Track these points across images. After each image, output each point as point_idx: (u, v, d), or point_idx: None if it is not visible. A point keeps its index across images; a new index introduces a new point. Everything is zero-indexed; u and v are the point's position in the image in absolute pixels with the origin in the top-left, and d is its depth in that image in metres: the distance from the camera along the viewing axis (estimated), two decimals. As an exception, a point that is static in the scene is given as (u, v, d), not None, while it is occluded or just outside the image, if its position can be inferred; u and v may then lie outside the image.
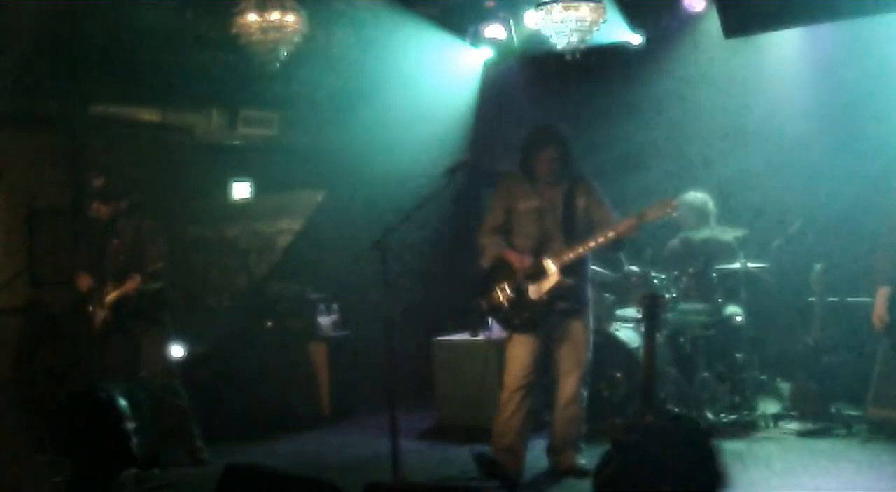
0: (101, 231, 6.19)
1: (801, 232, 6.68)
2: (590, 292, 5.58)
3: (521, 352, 5.37)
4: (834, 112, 7.20)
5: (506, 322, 5.46)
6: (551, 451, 5.53)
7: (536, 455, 5.67)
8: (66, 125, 6.90)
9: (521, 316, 5.33)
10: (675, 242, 6.96)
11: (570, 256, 5.26)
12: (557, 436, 5.48)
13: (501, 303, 5.37)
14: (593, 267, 6.85)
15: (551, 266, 5.26)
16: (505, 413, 5.36)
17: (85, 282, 6.24)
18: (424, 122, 7.86)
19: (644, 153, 7.99)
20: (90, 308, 6.19)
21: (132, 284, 5.96)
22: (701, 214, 6.78)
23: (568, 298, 5.35)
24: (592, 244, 5.22)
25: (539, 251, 5.32)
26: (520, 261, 5.34)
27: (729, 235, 6.70)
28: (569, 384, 5.41)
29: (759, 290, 6.79)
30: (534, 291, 5.29)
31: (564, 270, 5.27)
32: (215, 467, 3.96)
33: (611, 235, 5.17)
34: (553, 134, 5.47)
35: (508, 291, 5.34)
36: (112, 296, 6.06)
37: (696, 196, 6.87)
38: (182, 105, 7.51)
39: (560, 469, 5.43)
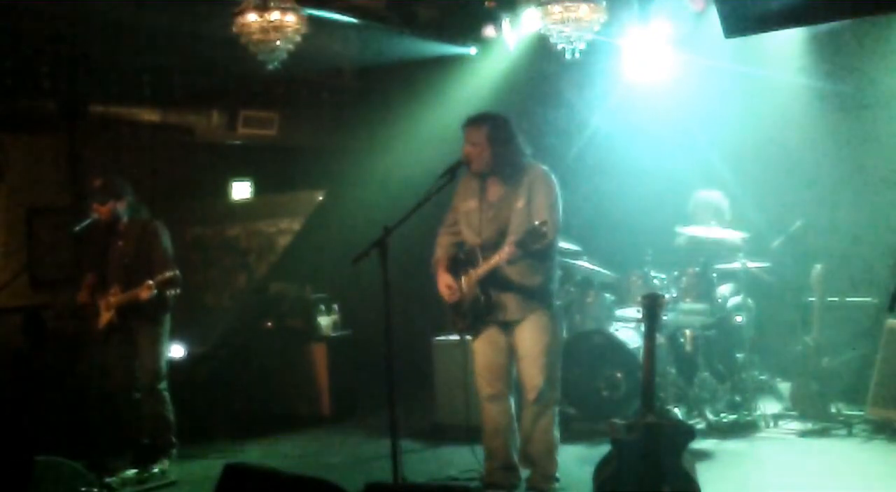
0: (102, 232, 6.14)
1: (801, 232, 6.69)
2: (537, 302, 5.08)
3: (477, 361, 5.26)
4: (835, 112, 7.21)
5: (452, 326, 5.39)
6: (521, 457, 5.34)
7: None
8: (66, 125, 6.90)
9: (458, 323, 5.24)
10: (682, 239, 6.96)
11: (479, 271, 5.03)
12: (522, 446, 5.28)
13: (450, 308, 5.27)
14: (593, 267, 6.89)
15: (471, 278, 5.08)
16: (487, 429, 5.26)
17: (84, 297, 6.16)
18: (424, 121, 7.86)
19: (645, 154, 7.99)
20: (92, 309, 6.15)
21: (145, 292, 5.74)
22: (714, 212, 6.77)
23: (494, 309, 5.07)
24: (493, 262, 4.93)
25: (481, 253, 5.08)
26: (441, 280, 5.21)
27: (734, 235, 6.67)
28: (528, 398, 5.15)
29: (759, 290, 6.80)
30: (461, 300, 5.17)
31: (485, 282, 5.02)
32: (215, 468, 3.95)
33: (493, 262, 4.92)
34: (475, 119, 5.13)
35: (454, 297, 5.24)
36: (120, 299, 5.95)
37: (710, 194, 6.88)
38: (182, 105, 7.50)
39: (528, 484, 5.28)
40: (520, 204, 5.01)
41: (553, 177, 5.13)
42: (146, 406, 6.11)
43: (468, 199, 5.22)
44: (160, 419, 6.11)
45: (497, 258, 4.91)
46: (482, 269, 5.02)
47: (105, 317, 6.04)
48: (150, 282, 5.75)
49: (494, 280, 5.04)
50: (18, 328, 7.11)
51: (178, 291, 5.92)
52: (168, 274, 5.80)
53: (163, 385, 6.14)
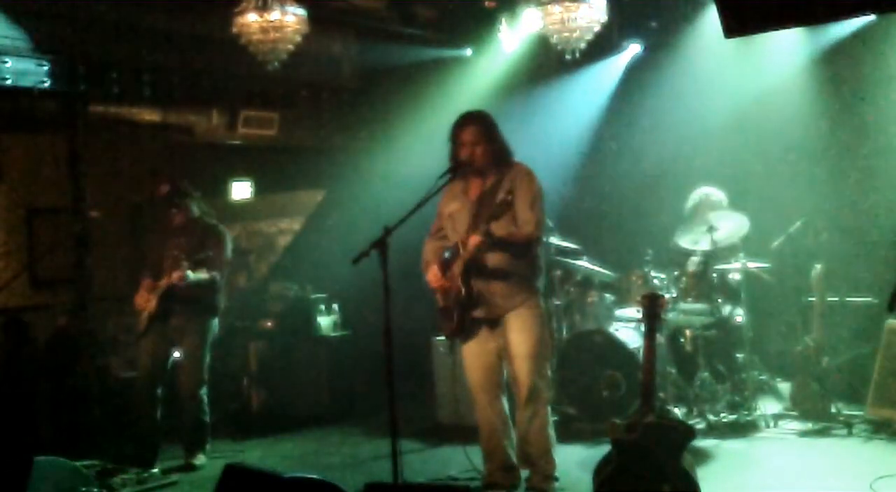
0: (173, 234, 6.16)
1: (801, 232, 6.69)
2: (523, 295, 5.09)
3: (467, 365, 5.25)
4: (835, 112, 7.21)
5: (442, 330, 5.35)
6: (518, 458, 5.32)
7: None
8: (66, 125, 6.90)
9: (446, 326, 5.20)
10: (677, 243, 6.94)
11: (460, 261, 5.03)
12: (519, 447, 5.27)
13: (438, 312, 5.27)
14: (593, 267, 6.89)
15: (454, 272, 5.07)
16: (483, 432, 5.26)
17: (142, 300, 6.12)
18: (424, 121, 7.86)
19: (646, 155, 8.00)
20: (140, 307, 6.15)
21: (178, 273, 5.82)
22: (714, 208, 6.76)
23: (479, 303, 5.06)
24: (472, 244, 4.95)
25: (462, 248, 5.06)
26: (430, 272, 5.21)
27: (729, 239, 6.64)
28: (521, 398, 5.13)
29: (759, 290, 6.79)
30: (447, 298, 5.16)
31: (468, 274, 5.02)
32: (215, 468, 3.97)
33: (472, 243, 4.94)
34: (470, 119, 5.18)
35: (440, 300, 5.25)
36: (161, 285, 5.98)
37: (709, 190, 6.88)
38: (182, 105, 7.50)
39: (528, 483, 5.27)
40: (500, 196, 4.99)
41: (535, 175, 5.16)
42: (186, 411, 6.19)
43: (452, 202, 5.27)
44: (199, 424, 6.22)
45: (473, 239, 4.94)
46: (463, 256, 5.01)
47: (150, 304, 6.04)
48: (185, 262, 5.84)
49: (478, 271, 5.04)
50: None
51: (211, 276, 6.00)
52: (201, 256, 5.89)
53: (203, 390, 6.22)
